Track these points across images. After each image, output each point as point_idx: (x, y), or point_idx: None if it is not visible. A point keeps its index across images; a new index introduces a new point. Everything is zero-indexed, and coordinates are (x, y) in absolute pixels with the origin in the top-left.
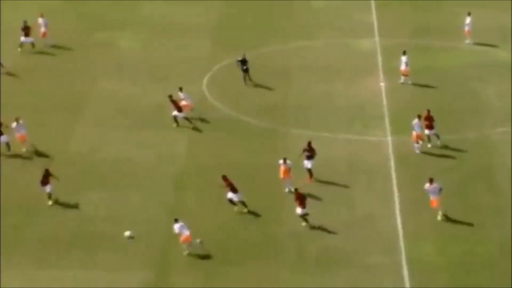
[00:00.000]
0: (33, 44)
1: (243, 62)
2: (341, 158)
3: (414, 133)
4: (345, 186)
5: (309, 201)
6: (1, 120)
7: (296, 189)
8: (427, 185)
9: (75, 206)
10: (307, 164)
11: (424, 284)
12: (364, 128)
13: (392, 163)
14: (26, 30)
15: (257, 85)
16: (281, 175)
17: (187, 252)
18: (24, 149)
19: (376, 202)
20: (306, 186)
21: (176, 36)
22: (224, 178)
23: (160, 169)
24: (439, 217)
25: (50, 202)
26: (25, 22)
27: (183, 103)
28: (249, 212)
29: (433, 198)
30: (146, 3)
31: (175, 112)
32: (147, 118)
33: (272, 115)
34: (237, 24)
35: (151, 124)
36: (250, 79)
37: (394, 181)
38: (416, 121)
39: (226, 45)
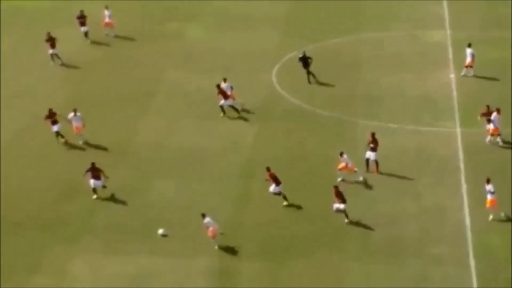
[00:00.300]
0: (86, 34)
1: (303, 59)
2: (409, 150)
3: (491, 126)
4: (413, 177)
5: (376, 191)
6: (60, 112)
7: (335, 186)
8: (485, 186)
9: (143, 194)
10: (371, 155)
11: (491, 276)
12: (433, 119)
13: (461, 155)
14: (82, 19)
15: (326, 76)
16: (338, 168)
17: (217, 246)
18: (80, 141)
19: (444, 194)
20: (373, 178)
21: (246, 27)
22: (268, 170)
23: (227, 159)
24: (490, 217)
25: (94, 196)
26: (81, 11)
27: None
28: (316, 202)
29: (490, 198)
30: None
31: (222, 101)
32: (215, 109)
33: (341, 106)
34: (307, 15)
35: (218, 113)
36: (313, 76)
37: (463, 174)
38: (494, 115)
39: (295, 36)
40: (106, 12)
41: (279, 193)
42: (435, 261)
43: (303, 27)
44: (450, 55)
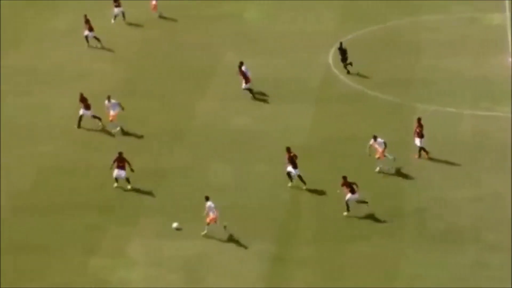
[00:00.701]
0: (122, 14)
1: (341, 50)
2: (466, 134)
3: None
4: (470, 163)
5: (432, 177)
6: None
7: (344, 177)
8: None
9: (201, 176)
10: (419, 142)
11: None
12: (491, 104)
13: None
14: (117, 1)
15: (384, 59)
16: (377, 156)
17: (205, 232)
18: (113, 130)
19: (502, 180)
20: (426, 164)
21: (303, 8)
22: (288, 150)
23: (284, 141)
24: None
25: (129, 186)
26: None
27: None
28: (371, 185)
29: None
30: None
31: (243, 85)
32: (273, 90)
33: (398, 89)
34: None
35: (276, 96)
36: (351, 66)
37: None
38: None
39: (354, 18)
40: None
41: (299, 177)
42: (492, 248)
43: (361, 9)
44: (510, 39)
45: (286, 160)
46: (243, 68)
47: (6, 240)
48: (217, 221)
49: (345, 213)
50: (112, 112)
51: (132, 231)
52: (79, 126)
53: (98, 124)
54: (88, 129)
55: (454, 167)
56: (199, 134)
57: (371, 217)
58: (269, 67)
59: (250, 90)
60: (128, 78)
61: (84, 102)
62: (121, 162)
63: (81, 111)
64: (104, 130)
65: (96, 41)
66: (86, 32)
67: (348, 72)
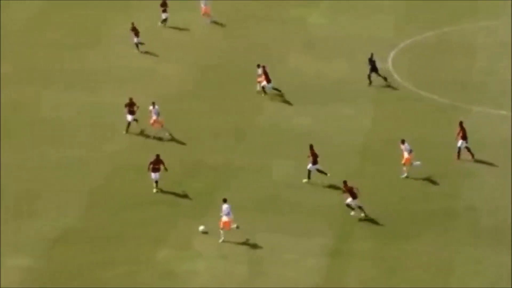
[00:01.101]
0: (165, 20)
1: (370, 61)
2: None
3: None
4: None
5: (484, 177)
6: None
7: (345, 181)
8: None
9: (264, 173)
10: (460, 143)
11: None
12: None
13: None
14: (164, 7)
15: (440, 63)
16: (403, 162)
17: (222, 239)
18: (166, 133)
19: None
20: (481, 164)
21: (363, 13)
22: (311, 147)
23: (345, 140)
24: None
25: (155, 190)
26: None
27: (259, 79)
28: (426, 185)
29: None
30: None
31: (264, 83)
32: (332, 92)
33: (455, 92)
34: (424, 3)
35: (336, 97)
36: (381, 76)
37: None
38: None
39: (412, 23)
40: (202, 2)
41: (321, 171)
42: None
43: (421, 15)
44: None
45: (310, 157)
46: (259, 70)
47: (82, 232)
48: (230, 225)
49: (352, 213)
50: (154, 117)
51: (200, 224)
52: (127, 131)
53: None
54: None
55: (507, 168)
56: (262, 133)
57: (425, 212)
58: (329, 69)
59: (276, 89)
60: (196, 79)
61: (130, 107)
62: (156, 164)
63: (129, 117)
64: (171, 128)
65: (141, 45)
66: (135, 39)
67: (385, 79)
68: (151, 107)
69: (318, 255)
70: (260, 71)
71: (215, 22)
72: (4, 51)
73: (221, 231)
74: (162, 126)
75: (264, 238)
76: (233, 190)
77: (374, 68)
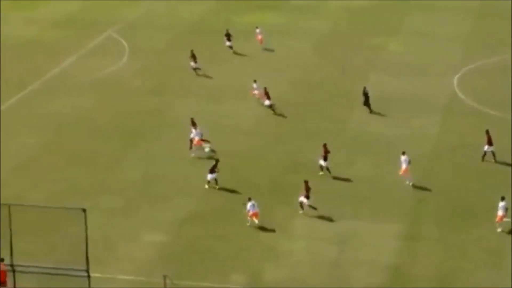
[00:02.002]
0: (231, 47)
1: (364, 94)
2: None
3: None
4: None
5: None
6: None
7: (305, 181)
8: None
9: (349, 171)
10: (486, 147)
11: None
12: None
13: None
14: (228, 36)
15: (503, 84)
16: (400, 173)
17: (249, 223)
18: (206, 149)
19: None
20: None
21: (434, 41)
22: (324, 146)
23: (414, 145)
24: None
25: (206, 186)
26: (227, 30)
27: (254, 92)
28: (485, 183)
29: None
30: (413, 15)
31: (266, 101)
32: (406, 105)
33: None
34: (488, 32)
35: (409, 110)
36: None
37: None
38: None
39: (477, 49)
40: (258, 30)
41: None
42: None
43: (484, 43)
44: None
45: (322, 154)
46: (255, 85)
47: (204, 213)
48: (257, 216)
49: (300, 212)
50: (196, 138)
51: (296, 211)
52: (190, 148)
53: (206, 146)
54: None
55: None
56: (348, 137)
57: (486, 208)
58: (404, 87)
59: (271, 106)
60: (295, 94)
61: (194, 125)
62: (214, 167)
63: (192, 134)
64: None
65: (198, 70)
66: (192, 64)
67: (371, 112)
68: (192, 129)
69: (393, 239)
70: (255, 85)
71: (268, 49)
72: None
73: (249, 219)
74: (200, 144)
75: (352, 224)
76: (326, 185)
77: (366, 99)
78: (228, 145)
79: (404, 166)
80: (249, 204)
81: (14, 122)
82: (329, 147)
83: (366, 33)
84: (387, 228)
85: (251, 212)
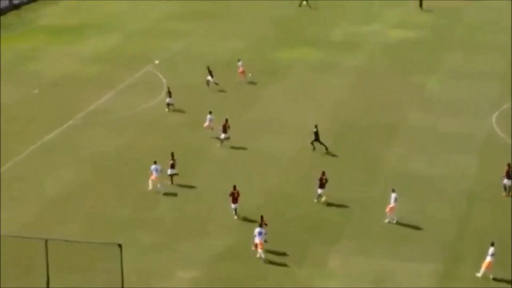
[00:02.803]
0: (216, 83)
1: (315, 133)
2: None
3: None
4: None
5: None
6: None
7: (261, 216)
8: None
9: (384, 207)
10: (507, 182)
11: None
12: None
13: None
14: (210, 72)
15: None
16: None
17: (258, 256)
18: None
19: None
20: None
21: (472, 79)
22: (323, 173)
23: (451, 185)
24: None
25: (235, 217)
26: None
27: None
28: None
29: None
30: (450, 53)
31: (222, 135)
32: (444, 143)
33: None
34: None
35: (448, 147)
36: (325, 147)
37: None
38: None
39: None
40: (239, 63)
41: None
42: None
43: None
44: None
45: (318, 182)
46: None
47: (240, 250)
48: (263, 248)
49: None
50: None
51: (333, 248)
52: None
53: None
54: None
55: None
56: (388, 175)
57: None
58: (442, 124)
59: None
60: (335, 127)
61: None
62: (234, 195)
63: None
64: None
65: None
66: (209, 77)
67: (314, 149)
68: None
69: (430, 278)
70: (209, 117)
71: (252, 82)
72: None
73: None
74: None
75: (386, 263)
76: (363, 221)
77: (317, 137)
78: (265, 179)
79: (392, 203)
80: (256, 231)
81: (53, 155)
82: (364, 183)
83: (404, 70)
84: (425, 268)
85: (256, 243)
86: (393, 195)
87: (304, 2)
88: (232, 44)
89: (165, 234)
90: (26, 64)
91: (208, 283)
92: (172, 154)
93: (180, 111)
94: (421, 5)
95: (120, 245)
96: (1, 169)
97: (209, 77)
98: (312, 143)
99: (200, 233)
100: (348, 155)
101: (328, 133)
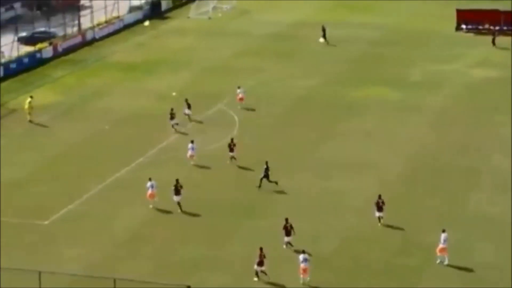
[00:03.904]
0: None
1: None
2: None
3: None
4: None
5: None
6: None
7: (286, 219)
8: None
9: (467, 255)
10: None
11: None
12: None
13: None
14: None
15: None
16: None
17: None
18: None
19: None
20: None
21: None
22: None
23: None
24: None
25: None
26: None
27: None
28: None
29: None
30: None
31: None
32: None
33: None
34: None
35: None
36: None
37: None
38: None
39: None
40: (238, 90)
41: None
42: None
43: None
44: None
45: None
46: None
47: None
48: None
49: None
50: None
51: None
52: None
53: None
54: None
55: None
56: (467, 218)
57: None
58: None
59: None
60: (402, 169)
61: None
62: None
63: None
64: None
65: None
66: (186, 111)
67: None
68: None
69: None
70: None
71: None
72: None
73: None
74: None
75: None
76: (438, 268)
77: (266, 174)
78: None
79: (441, 244)
80: (301, 257)
81: (121, 192)
82: (447, 228)
83: (487, 109)
84: None
85: (302, 266)
86: (443, 235)
87: (322, 39)
88: (307, 82)
89: (237, 275)
90: (97, 100)
91: None
92: (177, 180)
93: (251, 149)
94: (494, 42)
95: (189, 287)
96: (72, 205)
97: (186, 110)
98: (261, 180)
99: (272, 275)
100: (428, 198)
101: (404, 174)
